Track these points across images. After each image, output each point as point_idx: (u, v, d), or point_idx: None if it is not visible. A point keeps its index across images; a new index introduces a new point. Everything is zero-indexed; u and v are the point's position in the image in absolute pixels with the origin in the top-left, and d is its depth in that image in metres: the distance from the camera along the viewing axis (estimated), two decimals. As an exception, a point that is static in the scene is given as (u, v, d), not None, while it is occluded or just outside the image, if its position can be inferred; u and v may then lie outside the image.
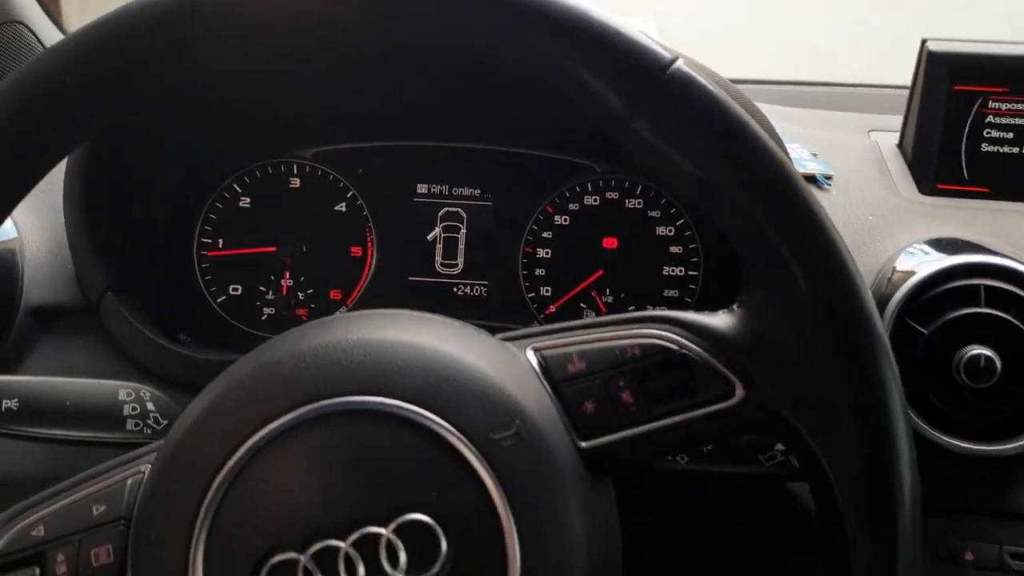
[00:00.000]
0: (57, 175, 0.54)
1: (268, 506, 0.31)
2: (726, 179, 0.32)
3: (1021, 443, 0.48)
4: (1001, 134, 0.64)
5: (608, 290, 0.64)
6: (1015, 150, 0.64)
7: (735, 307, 0.34)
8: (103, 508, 0.33)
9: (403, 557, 0.30)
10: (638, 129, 0.32)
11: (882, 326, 0.32)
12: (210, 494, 0.31)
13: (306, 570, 0.30)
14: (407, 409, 0.31)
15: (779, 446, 0.43)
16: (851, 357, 0.31)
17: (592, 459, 0.33)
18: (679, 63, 0.32)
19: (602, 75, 0.32)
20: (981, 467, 0.49)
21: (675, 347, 0.34)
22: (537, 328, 0.36)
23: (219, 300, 0.64)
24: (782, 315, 0.32)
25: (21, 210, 0.57)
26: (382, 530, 0.30)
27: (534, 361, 0.34)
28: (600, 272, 0.64)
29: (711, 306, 0.66)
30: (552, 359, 0.34)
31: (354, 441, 0.31)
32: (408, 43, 0.32)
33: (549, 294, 0.64)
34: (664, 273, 0.64)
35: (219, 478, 0.31)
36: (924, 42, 0.64)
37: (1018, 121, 0.63)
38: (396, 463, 0.31)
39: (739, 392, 0.33)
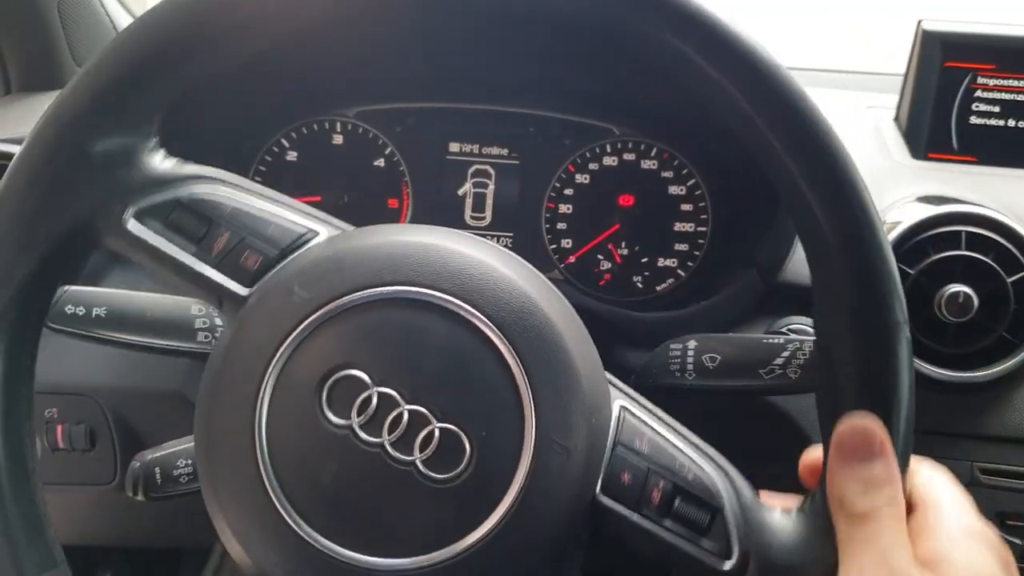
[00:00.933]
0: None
1: (373, 341, 0.36)
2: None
3: (993, 371, 0.53)
4: (988, 108, 0.69)
5: (624, 243, 0.70)
6: (1001, 123, 0.69)
7: (780, 511, 0.37)
8: (275, 233, 0.39)
9: (433, 446, 0.35)
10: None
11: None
12: (336, 303, 0.36)
13: (367, 399, 0.35)
14: (520, 375, 0.35)
15: (777, 360, 0.49)
16: None
17: (595, 510, 0.36)
18: (905, 326, 0.35)
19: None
20: (956, 394, 0.54)
21: (715, 499, 0.37)
22: (636, 395, 0.39)
23: (267, 244, 0.70)
24: (808, 546, 0.36)
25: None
26: (432, 421, 0.35)
27: (615, 414, 0.38)
28: (616, 226, 0.70)
29: (716, 260, 0.71)
30: (627, 425, 0.38)
31: (471, 360, 0.36)
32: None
33: (569, 246, 0.70)
34: (675, 229, 0.70)
35: (350, 297, 0.36)
36: (920, 22, 0.70)
37: (1004, 96, 0.69)
38: (479, 396, 0.35)
39: (727, 565, 0.36)
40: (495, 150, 0.70)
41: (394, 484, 0.35)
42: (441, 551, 0.35)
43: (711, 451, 0.38)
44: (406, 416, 0.35)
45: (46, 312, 0.40)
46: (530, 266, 0.40)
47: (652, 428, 0.38)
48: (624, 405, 0.38)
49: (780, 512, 0.37)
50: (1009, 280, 0.53)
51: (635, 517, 0.36)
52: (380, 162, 0.70)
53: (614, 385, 0.39)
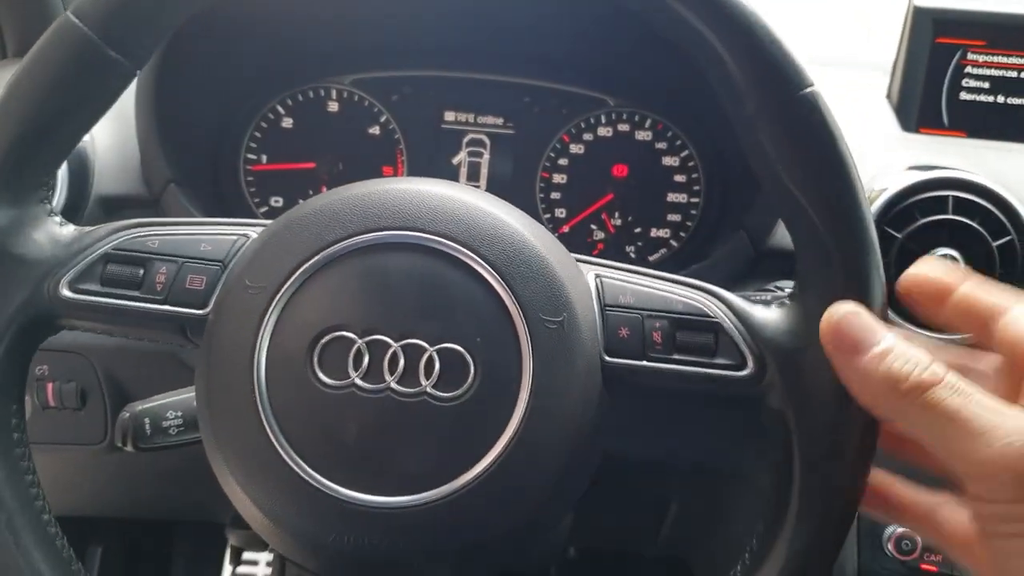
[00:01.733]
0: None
1: (342, 299, 0.37)
2: (813, 203, 0.36)
3: (980, 333, 0.54)
4: (978, 84, 0.70)
5: (617, 213, 0.70)
6: (991, 99, 0.70)
7: (774, 305, 0.39)
8: (209, 248, 0.39)
9: (437, 370, 0.36)
10: (757, 129, 0.36)
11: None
12: (294, 278, 0.37)
13: (358, 352, 0.36)
14: (489, 275, 0.37)
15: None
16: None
17: (608, 373, 0.38)
18: (813, 88, 0.35)
19: (747, 73, 0.36)
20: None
21: (711, 315, 0.38)
22: (606, 261, 0.41)
23: (262, 210, 0.70)
24: (807, 326, 0.37)
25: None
26: (427, 347, 0.36)
27: (592, 284, 0.39)
28: (610, 196, 0.70)
29: (708, 231, 0.72)
30: (608, 287, 0.39)
31: (440, 279, 0.37)
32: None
33: (564, 215, 0.71)
34: (668, 199, 0.70)
35: (304, 267, 0.37)
36: (911, -2, 0.71)
37: (994, 72, 0.70)
38: (461, 308, 0.37)
39: (748, 369, 0.37)
40: (490, 119, 0.71)
41: (411, 419, 0.36)
42: (480, 462, 0.35)
43: (688, 279, 0.39)
44: (401, 353, 0.36)
45: (23, 412, 0.40)
46: (463, 184, 0.40)
47: (631, 282, 0.39)
48: (598, 273, 0.39)
49: (772, 307, 0.38)
50: (995, 244, 0.54)
51: (643, 363, 0.38)
52: (375, 130, 0.71)
53: (582, 261, 0.40)
